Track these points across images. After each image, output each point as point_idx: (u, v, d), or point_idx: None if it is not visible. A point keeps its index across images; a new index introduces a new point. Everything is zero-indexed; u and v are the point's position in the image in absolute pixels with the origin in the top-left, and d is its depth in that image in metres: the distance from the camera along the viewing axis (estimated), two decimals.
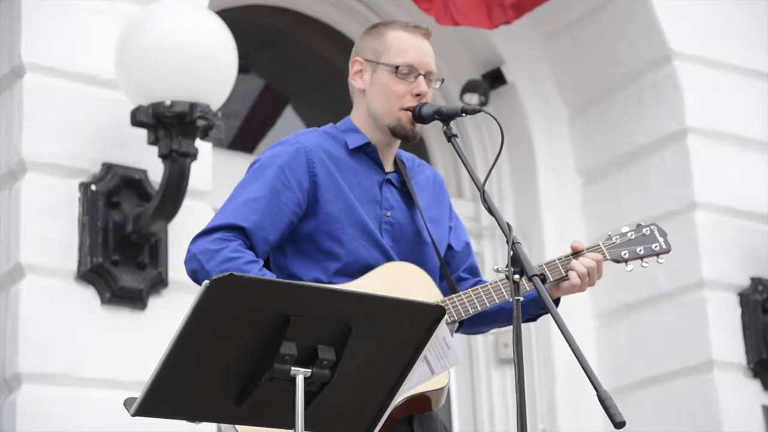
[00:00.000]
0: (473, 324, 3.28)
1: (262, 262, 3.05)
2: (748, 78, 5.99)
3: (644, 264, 3.29)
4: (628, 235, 3.29)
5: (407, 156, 3.34)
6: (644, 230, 3.31)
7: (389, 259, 3.14)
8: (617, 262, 3.27)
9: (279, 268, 3.16)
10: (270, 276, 3.02)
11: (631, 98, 5.98)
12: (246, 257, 3.02)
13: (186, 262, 3.09)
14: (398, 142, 3.25)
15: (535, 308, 3.16)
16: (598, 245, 3.25)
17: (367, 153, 3.21)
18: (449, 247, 3.30)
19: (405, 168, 3.27)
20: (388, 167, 3.24)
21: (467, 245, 3.35)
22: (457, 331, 3.35)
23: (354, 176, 3.17)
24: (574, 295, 3.25)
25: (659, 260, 3.31)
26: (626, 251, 3.26)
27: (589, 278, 3.15)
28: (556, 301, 3.21)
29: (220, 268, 2.97)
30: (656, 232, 3.32)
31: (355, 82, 3.24)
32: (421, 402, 3.10)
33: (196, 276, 3.06)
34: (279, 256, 3.16)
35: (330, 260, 3.11)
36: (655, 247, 3.29)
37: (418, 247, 3.20)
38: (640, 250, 3.27)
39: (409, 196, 3.23)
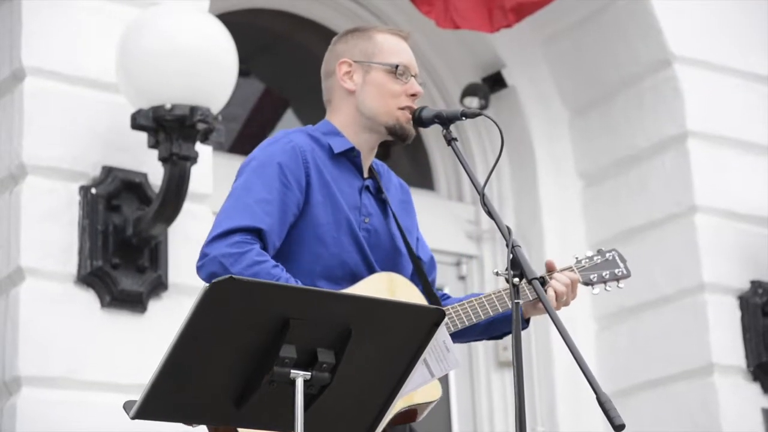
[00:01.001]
0: (459, 334, 3.26)
1: (283, 268, 3.00)
2: (749, 81, 5.99)
3: (608, 288, 3.37)
4: (594, 259, 3.34)
5: (377, 162, 3.31)
6: (607, 255, 3.37)
7: (370, 265, 3.12)
8: (586, 284, 3.32)
9: None
10: (294, 282, 2.97)
11: (632, 101, 5.98)
12: (271, 261, 2.98)
13: (203, 266, 2.98)
14: (376, 148, 3.24)
15: (507, 326, 3.16)
16: (571, 267, 3.29)
17: (349, 158, 3.18)
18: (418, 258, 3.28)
19: (377, 174, 3.26)
20: (365, 173, 3.22)
21: (432, 259, 3.34)
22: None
23: (338, 181, 3.15)
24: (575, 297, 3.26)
25: (619, 285, 3.38)
26: (594, 275, 3.33)
27: (566, 299, 3.18)
28: (526, 321, 3.22)
29: (248, 272, 2.90)
30: (617, 257, 3.38)
31: (345, 84, 3.20)
32: (408, 415, 3.08)
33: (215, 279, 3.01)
34: None
35: (314, 263, 3.08)
36: (618, 272, 3.36)
37: (393, 256, 3.18)
38: (605, 274, 3.35)
39: (384, 203, 3.22)
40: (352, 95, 3.20)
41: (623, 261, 3.39)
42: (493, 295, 3.16)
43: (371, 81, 3.18)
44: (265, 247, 3.00)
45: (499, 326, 3.21)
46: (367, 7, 6.12)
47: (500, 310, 3.14)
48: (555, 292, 3.14)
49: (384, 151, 3.33)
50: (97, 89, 4.60)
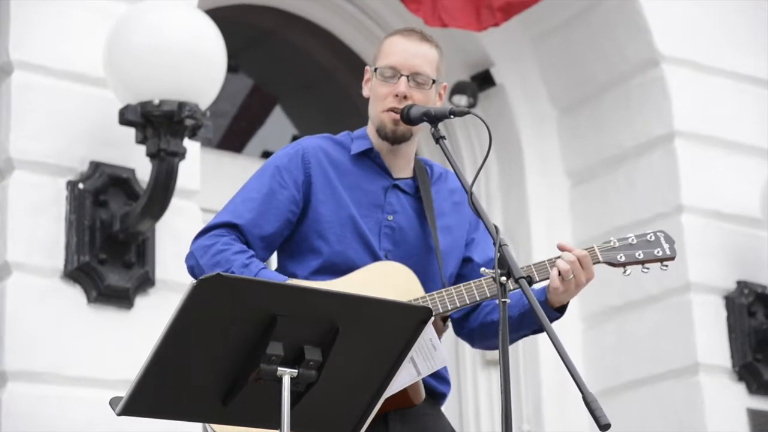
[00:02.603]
0: (485, 336, 3.26)
1: (252, 253, 3.12)
2: (736, 81, 6.01)
3: (644, 269, 3.24)
4: (629, 239, 3.24)
5: (435, 165, 3.35)
6: (648, 236, 3.25)
7: (378, 260, 3.15)
8: (612, 265, 3.21)
9: (279, 267, 3.24)
10: (257, 264, 3.09)
11: (619, 101, 6.00)
12: (235, 248, 3.11)
13: (185, 260, 3.20)
14: (406, 148, 3.25)
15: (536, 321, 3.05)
16: (591, 247, 3.21)
17: (371, 158, 3.25)
18: (469, 259, 3.29)
19: (426, 175, 3.29)
20: (400, 173, 3.26)
21: (492, 261, 3.28)
22: (474, 346, 3.34)
23: (355, 180, 3.22)
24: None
25: (663, 266, 3.26)
26: (623, 254, 3.21)
27: (575, 276, 3.07)
28: (563, 308, 3.16)
29: (212, 261, 3.08)
30: (662, 238, 3.26)
31: (363, 91, 3.30)
32: (398, 397, 3.07)
33: (193, 271, 3.16)
34: (279, 255, 3.24)
35: (314, 257, 3.15)
36: (658, 252, 3.23)
37: (422, 253, 3.21)
38: (639, 254, 3.22)
39: (422, 202, 3.24)
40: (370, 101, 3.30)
41: (670, 242, 3.26)
42: (482, 281, 3.13)
43: (371, 87, 3.26)
44: (245, 240, 3.14)
45: (533, 319, 3.11)
46: (357, 4, 6.11)
47: (488, 295, 3.11)
48: (559, 271, 3.06)
49: None
50: (85, 84, 4.59)
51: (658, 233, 3.28)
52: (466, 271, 3.28)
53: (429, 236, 3.22)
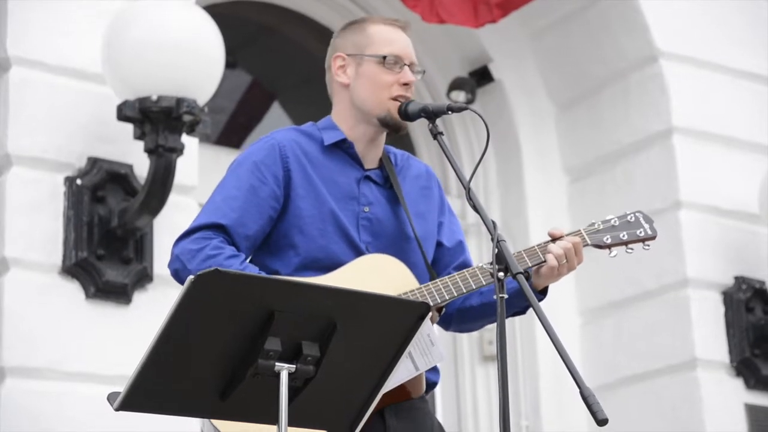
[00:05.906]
0: (463, 320, 3.27)
1: (243, 256, 3.07)
2: (734, 78, 6.01)
3: (629, 250, 3.26)
4: (612, 221, 3.26)
5: (397, 152, 3.34)
6: (629, 217, 3.28)
7: (360, 253, 3.13)
8: (599, 247, 3.23)
9: (257, 265, 3.17)
10: (252, 270, 3.04)
11: (618, 97, 6.00)
12: (226, 252, 3.04)
13: (169, 264, 3.11)
14: (382, 138, 3.25)
15: (524, 300, 3.05)
16: (578, 230, 3.23)
17: (343, 149, 3.21)
18: (439, 243, 3.29)
19: (390, 164, 3.27)
20: (370, 164, 3.24)
21: (460, 243, 3.33)
22: (448, 329, 3.34)
23: (328, 173, 3.18)
24: (559, 292, 3.24)
25: (645, 246, 3.28)
26: (608, 236, 3.23)
27: (568, 261, 3.11)
28: (544, 290, 3.20)
29: (202, 266, 2.98)
30: (641, 218, 3.29)
31: (339, 78, 3.25)
32: (396, 390, 3.07)
33: (178, 276, 3.08)
34: (257, 252, 3.18)
35: (295, 253, 3.11)
36: (640, 232, 3.27)
37: (401, 243, 3.19)
38: (623, 236, 3.24)
39: (393, 192, 3.23)
40: (346, 89, 3.24)
41: (648, 222, 3.29)
42: (476, 269, 3.13)
43: (363, 73, 3.21)
44: (232, 241, 3.08)
45: (516, 301, 3.12)
46: (355, 1, 6.12)
47: (483, 283, 3.11)
48: (554, 256, 3.09)
49: None
50: (83, 80, 4.59)
51: (636, 214, 3.30)
52: (437, 255, 3.27)
53: (405, 225, 3.20)
